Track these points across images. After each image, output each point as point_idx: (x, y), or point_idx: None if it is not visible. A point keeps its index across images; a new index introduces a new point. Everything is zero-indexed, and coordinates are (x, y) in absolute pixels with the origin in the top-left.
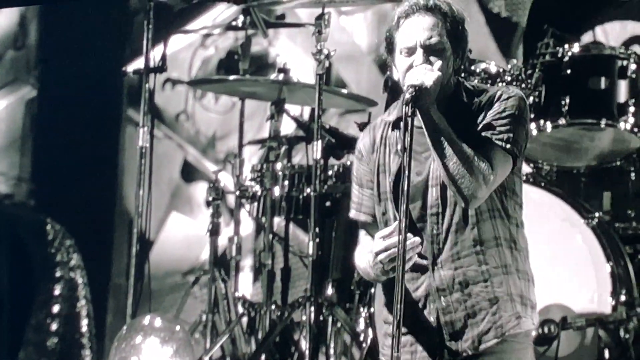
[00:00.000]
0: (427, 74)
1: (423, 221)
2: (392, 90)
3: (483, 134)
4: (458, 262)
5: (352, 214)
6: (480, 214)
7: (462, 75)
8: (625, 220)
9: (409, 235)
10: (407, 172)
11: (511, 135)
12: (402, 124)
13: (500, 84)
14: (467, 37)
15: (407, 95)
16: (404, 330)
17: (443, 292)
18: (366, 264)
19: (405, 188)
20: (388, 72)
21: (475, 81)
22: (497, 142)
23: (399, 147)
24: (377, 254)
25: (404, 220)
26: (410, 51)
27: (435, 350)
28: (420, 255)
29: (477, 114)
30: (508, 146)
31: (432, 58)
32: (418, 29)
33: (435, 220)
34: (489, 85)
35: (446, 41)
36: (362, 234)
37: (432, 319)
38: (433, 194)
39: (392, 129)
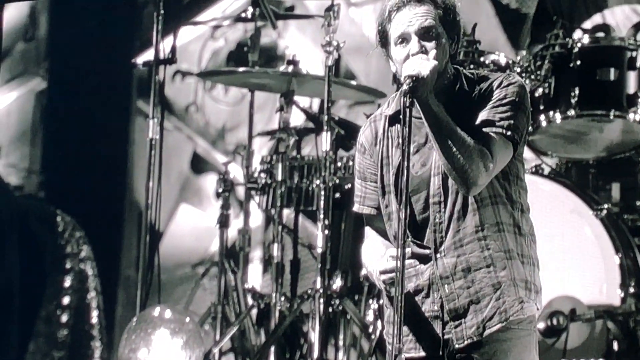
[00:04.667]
0: (423, 63)
1: (428, 211)
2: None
3: (483, 121)
4: (461, 250)
5: (356, 207)
6: (481, 201)
7: (468, 63)
8: (634, 212)
9: (414, 262)
10: (406, 163)
11: (512, 122)
12: (401, 116)
13: (502, 73)
14: (459, 22)
15: (405, 87)
16: (408, 318)
17: (447, 279)
18: (371, 270)
19: (405, 180)
20: None
21: (485, 70)
22: (497, 129)
23: (401, 140)
24: (381, 272)
25: (403, 211)
26: (405, 40)
27: (439, 338)
28: (422, 246)
29: (478, 102)
30: (509, 133)
31: (427, 45)
32: (411, 18)
33: (438, 209)
34: (490, 72)
35: (440, 27)
36: (368, 229)
37: (436, 307)
38: (435, 183)
39: (392, 124)
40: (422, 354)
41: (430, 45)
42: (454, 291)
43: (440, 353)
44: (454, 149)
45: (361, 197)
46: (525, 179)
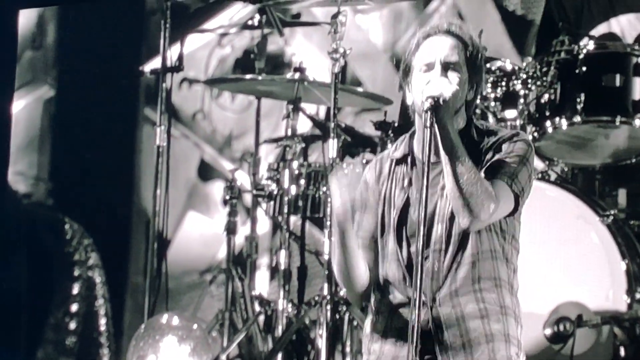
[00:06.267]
0: (445, 86)
1: (427, 257)
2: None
3: (490, 170)
4: (456, 300)
5: None
6: (481, 253)
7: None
8: None
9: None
10: (425, 180)
11: (516, 175)
12: (409, 159)
13: (515, 82)
14: (483, 71)
15: (427, 105)
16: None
17: (441, 328)
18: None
19: (424, 195)
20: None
21: (491, 121)
22: (503, 177)
23: (406, 182)
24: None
25: (421, 239)
26: (429, 67)
27: None
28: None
29: (486, 153)
30: (513, 185)
31: (449, 74)
32: (438, 47)
33: (438, 257)
34: (500, 125)
35: (464, 65)
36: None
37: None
38: (438, 230)
39: (398, 164)
40: None
41: (452, 74)
42: (448, 340)
43: None
44: (465, 176)
45: (357, 228)
46: (519, 240)
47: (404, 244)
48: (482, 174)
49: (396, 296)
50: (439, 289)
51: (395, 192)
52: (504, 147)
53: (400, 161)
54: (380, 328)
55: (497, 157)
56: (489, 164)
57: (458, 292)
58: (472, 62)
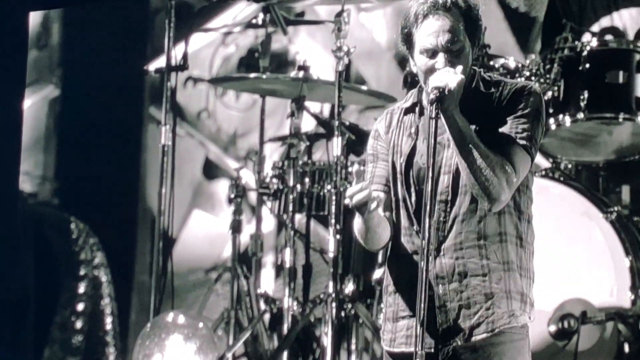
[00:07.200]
0: (450, 76)
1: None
2: (412, 86)
3: (505, 131)
4: (460, 252)
5: None
6: (488, 209)
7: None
8: None
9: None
10: (430, 178)
11: (531, 133)
12: (417, 108)
13: (519, 79)
14: (481, 25)
15: (432, 96)
16: (404, 314)
17: (442, 279)
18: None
19: (430, 187)
20: (407, 68)
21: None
22: (519, 140)
23: (412, 130)
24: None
25: (427, 221)
26: (432, 54)
27: (430, 337)
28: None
29: (497, 106)
30: (528, 144)
31: (453, 60)
32: (438, 31)
33: (444, 208)
34: (504, 76)
35: (465, 39)
36: None
37: (429, 304)
38: (444, 181)
39: (406, 113)
40: (412, 349)
41: (456, 60)
42: (448, 293)
43: (432, 350)
44: (477, 164)
45: (370, 177)
46: (532, 189)
47: (412, 189)
48: (498, 134)
49: (401, 245)
50: (444, 240)
51: (403, 139)
52: (516, 102)
53: (409, 110)
54: (390, 279)
55: (511, 116)
56: (504, 125)
57: (463, 245)
58: (470, 28)
